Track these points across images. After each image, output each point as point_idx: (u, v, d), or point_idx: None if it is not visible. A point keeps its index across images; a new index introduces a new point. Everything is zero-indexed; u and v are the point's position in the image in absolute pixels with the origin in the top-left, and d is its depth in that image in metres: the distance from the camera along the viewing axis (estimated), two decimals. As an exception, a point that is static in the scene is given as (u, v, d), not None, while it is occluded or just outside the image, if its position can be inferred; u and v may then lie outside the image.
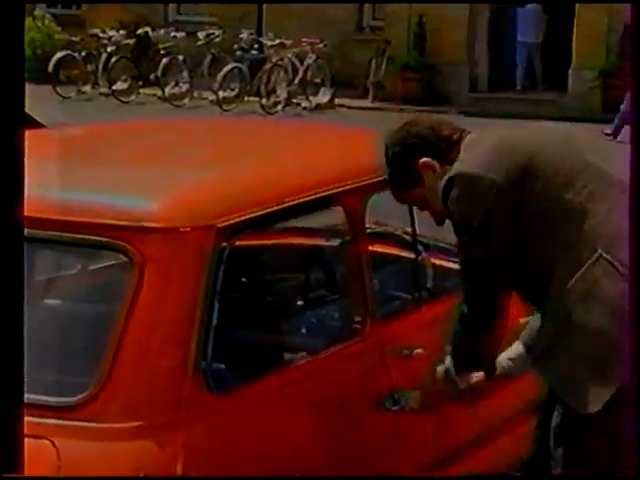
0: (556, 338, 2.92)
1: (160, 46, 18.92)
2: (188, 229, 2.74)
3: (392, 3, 18.85)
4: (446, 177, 2.96)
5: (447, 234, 3.27)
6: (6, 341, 1.83)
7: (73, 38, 19.47)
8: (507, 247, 2.93)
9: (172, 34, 19.09)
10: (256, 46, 18.76)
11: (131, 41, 19.47)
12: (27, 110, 2.00)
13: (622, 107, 14.33)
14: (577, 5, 17.56)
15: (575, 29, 17.64)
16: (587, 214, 2.89)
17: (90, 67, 19.28)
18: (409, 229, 3.66)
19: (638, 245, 2.26)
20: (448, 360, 3.15)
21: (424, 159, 3.06)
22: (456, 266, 3.35)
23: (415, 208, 3.48)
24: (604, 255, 2.85)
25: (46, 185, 2.76)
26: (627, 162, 3.01)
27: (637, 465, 2.32)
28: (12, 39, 1.85)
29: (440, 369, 3.17)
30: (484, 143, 3.02)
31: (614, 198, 2.88)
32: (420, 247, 3.75)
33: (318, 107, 17.59)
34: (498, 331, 3.03)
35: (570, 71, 17.56)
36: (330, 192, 3.15)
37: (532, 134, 3.10)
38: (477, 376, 3.18)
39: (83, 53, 19.33)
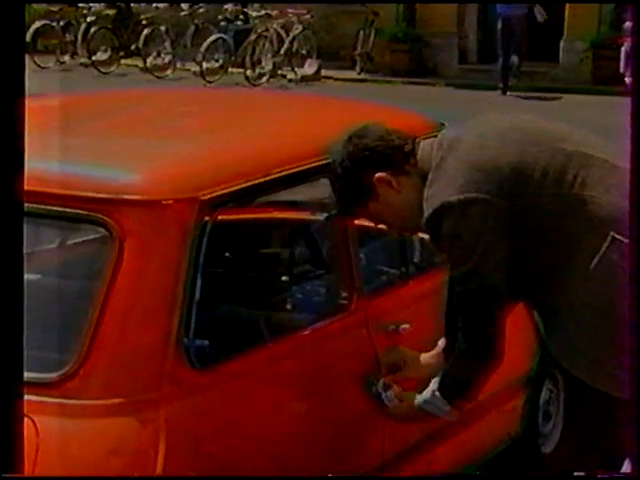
0: (580, 330, 2.82)
1: (142, 17, 18.78)
2: (170, 202, 2.68)
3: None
4: (430, 209, 2.81)
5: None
6: (6, 341, 1.80)
7: (52, 8, 19.26)
8: (505, 263, 2.83)
9: (154, 4, 18.93)
10: (241, 17, 18.64)
11: (111, 11, 19.33)
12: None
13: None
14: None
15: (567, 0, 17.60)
16: (586, 202, 2.81)
17: (69, 37, 19.15)
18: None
19: (638, 243, 2.22)
20: (428, 394, 3.00)
21: (379, 174, 2.91)
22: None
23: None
24: (617, 237, 2.77)
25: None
26: (598, 139, 2.97)
27: (637, 465, 2.27)
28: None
29: (419, 400, 3.04)
30: (457, 160, 2.84)
31: (607, 179, 2.82)
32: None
33: (304, 79, 17.51)
34: (498, 362, 2.91)
35: (562, 42, 17.53)
36: (316, 164, 3.10)
37: (505, 141, 2.89)
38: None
39: (62, 23, 19.17)
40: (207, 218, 2.74)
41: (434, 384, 3.00)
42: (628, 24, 15.20)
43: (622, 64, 15.19)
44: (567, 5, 17.59)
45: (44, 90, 3.23)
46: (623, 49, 15.19)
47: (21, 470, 1.86)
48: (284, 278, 3.57)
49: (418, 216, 2.87)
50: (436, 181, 2.84)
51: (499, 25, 16.19)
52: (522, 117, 3.06)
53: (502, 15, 16.19)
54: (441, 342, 3.18)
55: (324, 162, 3.08)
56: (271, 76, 17.38)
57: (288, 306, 3.43)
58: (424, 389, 3.02)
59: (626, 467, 2.90)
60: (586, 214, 2.81)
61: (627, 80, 14.69)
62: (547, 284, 2.87)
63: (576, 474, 2.80)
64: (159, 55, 18.13)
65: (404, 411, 3.09)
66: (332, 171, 2.98)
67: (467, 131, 2.95)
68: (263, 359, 2.88)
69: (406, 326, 3.26)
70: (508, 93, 16.02)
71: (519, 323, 3.13)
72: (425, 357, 3.18)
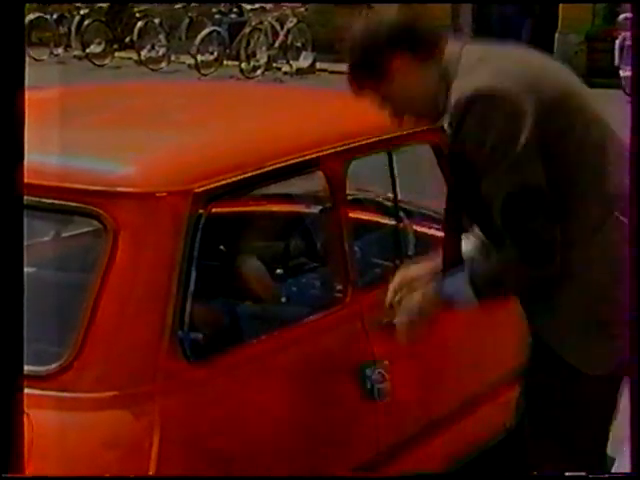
0: (577, 307, 2.72)
1: (135, 9, 18.72)
2: (164, 194, 2.68)
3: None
4: (467, 92, 2.57)
5: (430, 201, 3.20)
6: (6, 342, 1.80)
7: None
8: (542, 174, 2.61)
9: (149, -3, 18.90)
10: (235, 9, 18.60)
11: (105, 4, 19.27)
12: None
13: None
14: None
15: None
16: (601, 166, 2.69)
17: (62, 29, 19.09)
18: (391, 195, 3.60)
19: (638, 246, 2.21)
20: (448, 283, 2.78)
21: (397, 56, 2.70)
22: (439, 233, 3.30)
23: (397, 175, 3.44)
24: (620, 218, 2.66)
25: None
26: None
27: (637, 465, 2.27)
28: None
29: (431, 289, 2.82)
30: (493, 67, 2.65)
31: (615, 151, 2.73)
32: (402, 214, 3.70)
33: (299, 72, 17.48)
34: (557, 268, 2.65)
35: (556, 35, 17.52)
36: (310, 156, 3.09)
37: (554, 68, 2.78)
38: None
39: (55, 15, 19.12)
40: (201, 211, 2.73)
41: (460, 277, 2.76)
42: (622, 17, 15.22)
43: (616, 57, 15.19)
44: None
45: (38, 83, 3.21)
46: (617, 42, 15.19)
47: (21, 470, 1.86)
48: (279, 271, 3.56)
49: (431, 107, 2.69)
50: (467, 75, 2.64)
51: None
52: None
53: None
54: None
55: (318, 155, 3.07)
56: (266, 69, 17.35)
57: (283, 299, 3.42)
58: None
59: (619, 463, 2.89)
60: (597, 179, 2.69)
61: (621, 73, 14.74)
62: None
63: (576, 474, 2.78)
64: (153, 48, 18.09)
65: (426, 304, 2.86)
66: (348, 43, 2.78)
67: (504, 49, 2.79)
68: (257, 352, 2.87)
69: (400, 319, 3.24)
70: None
71: (513, 314, 3.13)
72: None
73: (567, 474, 2.74)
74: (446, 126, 2.68)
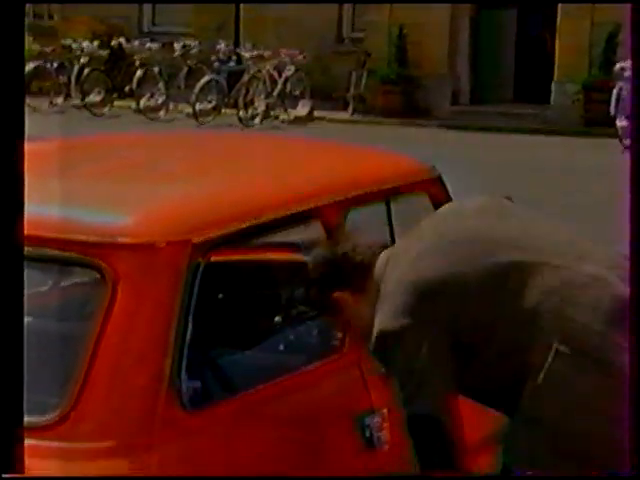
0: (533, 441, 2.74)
1: (135, 57, 18.85)
2: (163, 245, 2.69)
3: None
4: (373, 336, 2.82)
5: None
6: (6, 345, 1.81)
7: (45, 48, 19.34)
8: (448, 383, 2.80)
9: (147, 45, 19.02)
10: (234, 57, 18.74)
11: (104, 52, 19.41)
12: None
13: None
14: (559, 17, 17.64)
15: (557, 42, 17.71)
16: (526, 312, 2.73)
17: (62, 78, 19.20)
18: (389, 245, 3.61)
19: (638, 246, 2.23)
20: None
21: (337, 294, 2.95)
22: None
23: (395, 222, 3.45)
24: (561, 349, 2.68)
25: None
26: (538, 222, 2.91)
27: (637, 465, 2.28)
28: (12, 48, 1.82)
29: None
30: (395, 281, 2.83)
31: (550, 284, 2.74)
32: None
33: (297, 120, 17.57)
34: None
35: (553, 84, 17.63)
36: (308, 207, 3.11)
37: (444, 255, 2.83)
38: None
39: (55, 64, 19.23)
40: (200, 260, 2.74)
41: None
42: (618, 66, 15.33)
43: (612, 107, 15.30)
44: (557, 47, 17.71)
45: (38, 133, 3.24)
46: (614, 92, 15.30)
47: (21, 470, 1.86)
48: (277, 319, 3.57)
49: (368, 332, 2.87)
50: (380, 302, 2.85)
51: None
52: (476, 222, 2.92)
53: None
54: None
55: (316, 205, 3.09)
56: (264, 117, 17.45)
57: (281, 347, 3.43)
58: None
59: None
60: (527, 325, 2.73)
61: (617, 123, 14.84)
62: (503, 393, 2.81)
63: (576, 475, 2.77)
64: (152, 96, 18.19)
65: None
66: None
67: (408, 245, 2.93)
68: (255, 401, 2.87)
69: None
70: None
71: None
72: None
73: (566, 475, 2.73)
74: None
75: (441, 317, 2.78)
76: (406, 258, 2.88)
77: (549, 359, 2.69)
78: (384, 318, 2.82)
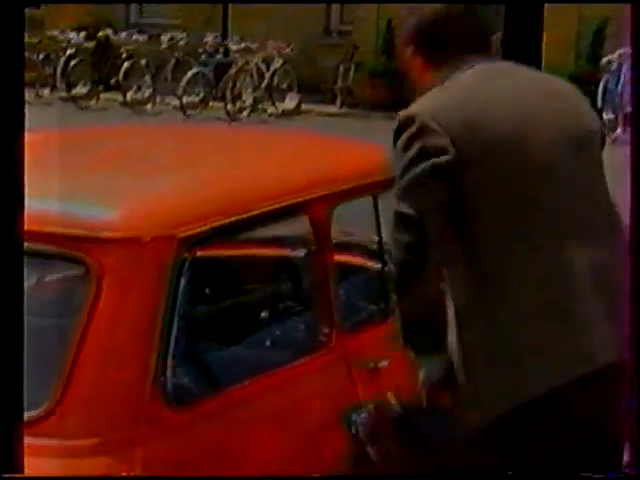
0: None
1: (121, 49, 18.76)
2: (148, 239, 2.67)
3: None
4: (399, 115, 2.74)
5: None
6: (6, 344, 1.79)
7: (31, 39, 19.24)
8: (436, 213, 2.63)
9: (134, 37, 18.94)
10: (221, 50, 18.69)
11: (91, 44, 19.30)
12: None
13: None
14: (545, 10, 17.64)
15: (544, 34, 17.72)
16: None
17: (48, 70, 19.08)
18: (376, 239, 3.60)
19: (638, 247, 2.22)
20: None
21: (415, 50, 2.93)
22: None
23: (381, 217, 3.44)
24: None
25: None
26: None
27: (637, 465, 2.27)
28: (11, 45, 1.81)
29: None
30: (446, 97, 2.75)
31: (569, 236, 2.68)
32: (387, 257, 3.69)
33: (285, 113, 17.55)
34: (431, 288, 2.64)
35: (539, 75, 17.65)
36: (295, 201, 3.09)
37: (505, 113, 2.72)
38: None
39: (41, 55, 19.12)
40: (186, 255, 2.73)
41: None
42: (605, 60, 15.35)
43: (599, 99, 15.30)
44: (544, 39, 17.72)
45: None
46: (601, 84, 15.31)
47: (21, 470, 1.85)
48: (263, 314, 3.55)
49: None
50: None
51: None
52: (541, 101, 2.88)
53: None
54: None
55: (303, 199, 3.07)
56: (251, 110, 17.42)
57: (267, 343, 3.41)
58: None
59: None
60: (525, 270, 2.63)
61: (604, 115, 14.84)
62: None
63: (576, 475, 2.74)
64: (139, 89, 18.13)
65: None
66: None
67: (476, 81, 2.83)
68: (241, 397, 2.86)
69: (385, 363, 3.24)
70: None
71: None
72: None
73: (566, 475, 2.70)
74: None
75: (465, 144, 2.62)
76: (466, 94, 2.77)
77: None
78: (417, 105, 2.76)
